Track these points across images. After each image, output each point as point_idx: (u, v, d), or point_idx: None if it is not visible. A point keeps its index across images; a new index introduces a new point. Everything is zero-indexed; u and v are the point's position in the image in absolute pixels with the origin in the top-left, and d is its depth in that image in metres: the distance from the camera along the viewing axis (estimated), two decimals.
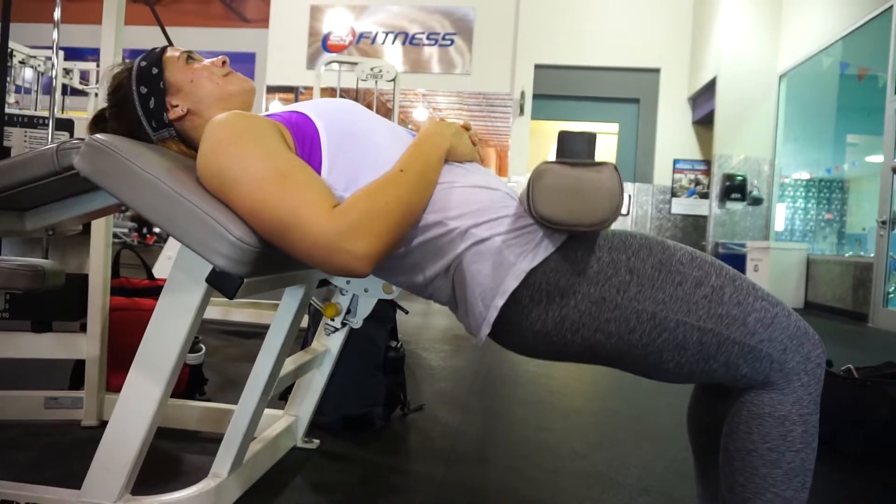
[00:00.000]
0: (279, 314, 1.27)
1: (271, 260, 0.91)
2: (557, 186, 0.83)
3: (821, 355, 0.84)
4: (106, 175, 0.87)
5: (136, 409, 1.07)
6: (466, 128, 1.03)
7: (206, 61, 1.07)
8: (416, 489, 1.42)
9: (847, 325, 5.28)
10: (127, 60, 1.09)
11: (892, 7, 5.45)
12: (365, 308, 1.48)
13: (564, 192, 0.83)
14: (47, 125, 1.76)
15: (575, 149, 0.89)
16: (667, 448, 1.79)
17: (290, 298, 1.28)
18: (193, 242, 0.85)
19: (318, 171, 0.89)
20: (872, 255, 5.46)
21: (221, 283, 0.87)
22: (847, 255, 7.30)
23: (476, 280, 0.88)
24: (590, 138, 0.89)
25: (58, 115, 1.96)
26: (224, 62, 1.07)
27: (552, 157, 0.91)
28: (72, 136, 1.77)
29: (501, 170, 18.07)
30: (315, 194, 0.81)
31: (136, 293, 1.93)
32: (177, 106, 1.04)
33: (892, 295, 5.41)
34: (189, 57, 1.06)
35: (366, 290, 1.31)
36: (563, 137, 0.89)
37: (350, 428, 1.77)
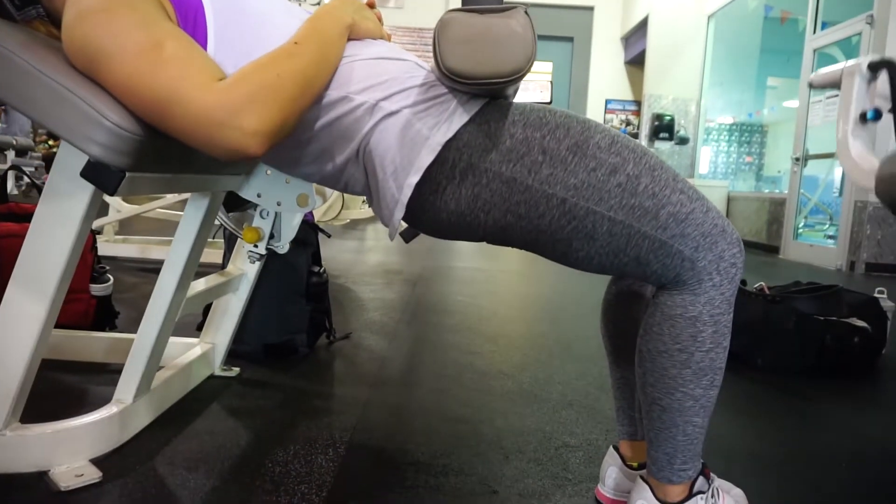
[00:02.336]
0: (181, 227, 1.17)
1: (161, 154, 0.82)
2: (465, 36, 0.77)
3: (736, 255, 0.82)
4: None
5: (17, 332, 0.96)
6: (371, 5, 0.95)
7: None
8: (339, 411, 1.38)
9: (762, 256, 5.57)
10: None
11: None
12: (289, 230, 1.39)
13: (473, 42, 0.76)
14: None
15: None
16: (590, 367, 1.82)
17: (193, 209, 1.18)
18: (62, 129, 0.75)
19: (204, 45, 0.80)
20: (787, 191, 5.74)
21: (99, 177, 0.77)
22: (765, 191, 7.67)
23: (387, 158, 0.81)
24: None
25: None
26: None
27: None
28: None
29: None
30: (197, 65, 0.72)
31: (28, 219, 1.76)
32: None
33: (800, 229, 5.74)
34: None
35: (279, 204, 1.23)
36: None
37: (272, 355, 1.71)
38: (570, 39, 9.31)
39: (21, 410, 1.02)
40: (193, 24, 0.80)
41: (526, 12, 0.79)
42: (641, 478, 0.91)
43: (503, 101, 0.84)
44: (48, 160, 9.37)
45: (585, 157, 0.78)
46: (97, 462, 1.06)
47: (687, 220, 0.79)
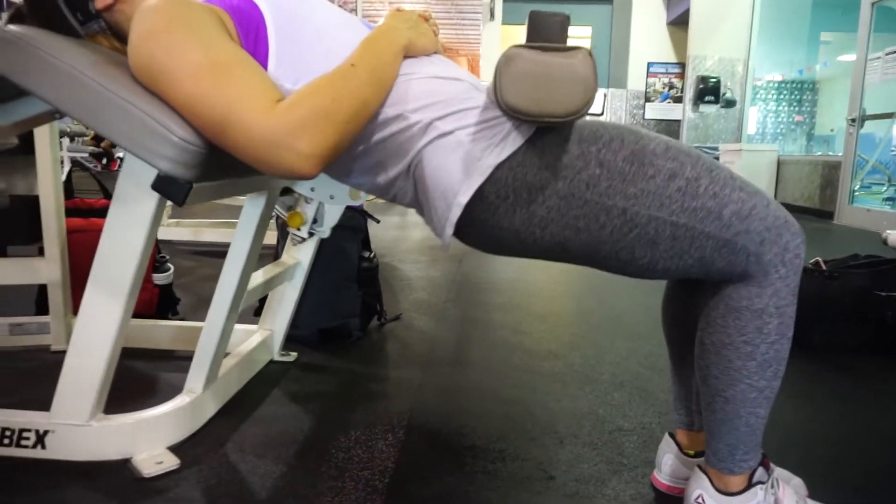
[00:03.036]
0: (241, 224, 1.21)
1: (223, 163, 0.85)
2: (527, 73, 0.77)
3: (800, 245, 0.81)
4: (24, 71, 0.78)
5: (97, 329, 1.03)
6: (426, 18, 0.95)
7: None
8: (394, 395, 1.43)
9: (814, 223, 5.39)
10: None
11: None
12: (332, 217, 1.43)
13: (534, 80, 0.76)
14: None
15: (546, 32, 0.82)
16: (641, 345, 1.82)
17: (251, 207, 1.22)
18: (132, 145, 0.78)
19: (265, 62, 0.81)
20: (840, 153, 5.50)
21: (168, 189, 0.81)
22: (816, 153, 7.37)
23: (439, 177, 0.83)
24: (562, 21, 0.82)
25: None
26: None
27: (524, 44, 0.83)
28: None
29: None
30: (256, 87, 0.74)
31: (93, 213, 1.85)
32: None
33: (857, 192, 5.51)
34: None
35: (332, 197, 1.26)
36: (534, 19, 0.82)
37: (327, 340, 1.76)
38: (610, 1, 9.02)
39: (104, 402, 1.09)
40: (255, 40, 0.81)
41: (590, 54, 0.78)
42: (700, 467, 0.92)
43: None
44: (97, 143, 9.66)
45: (643, 165, 0.78)
46: (173, 449, 1.13)
47: (751, 216, 0.78)
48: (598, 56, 9.18)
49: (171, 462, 1.08)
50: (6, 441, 1.08)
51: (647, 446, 1.20)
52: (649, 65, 8.99)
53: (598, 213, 0.79)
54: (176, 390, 1.24)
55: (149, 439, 1.11)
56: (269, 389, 1.44)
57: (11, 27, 0.81)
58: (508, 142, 0.81)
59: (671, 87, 8.99)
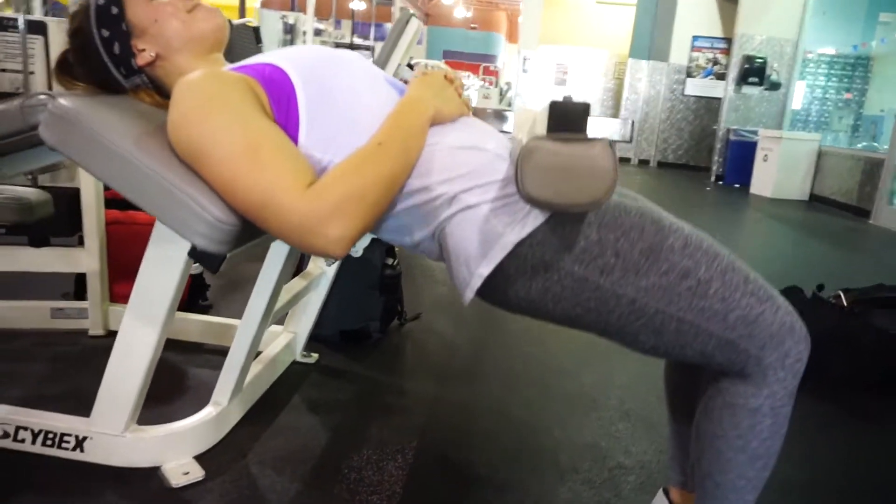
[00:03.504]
0: (273, 247, 1.27)
1: (256, 230, 0.89)
2: (548, 166, 0.79)
3: (802, 351, 0.83)
4: (73, 148, 0.83)
5: (133, 352, 1.10)
6: (451, 80, 0.96)
7: None
8: (408, 409, 1.50)
9: (849, 220, 5.27)
10: None
11: None
12: (364, 239, 1.47)
13: (555, 173, 0.79)
14: (17, 27, 1.65)
15: (567, 121, 0.83)
16: (652, 369, 1.85)
17: None
18: (171, 221, 0.83)
19: (296, 132, 0.84)
20: (886, 147, 5.32)
21: (204, 259, 0.86)
22: (859, 146, 7.11)
23: (462, 246, 0.86)
24: (583, 110, 0.83)
25: (29, 16, 1.83)
26: None
27: (542, 123, 0.85)
28: (46, 39, 1.66)
29: (511, 36, 17.04)
30: (289, 172, 0.77)
31: (132, 205, 1.91)
32: (144, 50, 0.96)
33: None
34: None
35: None
36: (555, 108, 0.83)
37: (347, 340, 1.83)
38: None
39: (137, 416, 1.18)
40: (287, 111, 0.84)
41: (610, 144, 0.79)
42: None
43: None
44: None
45: (658, 260, 0.80)
46: (199, 458, 1.21)
47: (756, 323, 0.81)
48: (640, 26, 8.89)
49: (197, 473, 1.17)
50: (49, 442, 1.17)
51: (644, 488, 1.25)
52: (694, 38, 8.69)
53: (608, 299, 0.83)
54: (202, 388, 1.32)
55: (177, 450, 1.20)
56: (290, 395, 1.51)
57: (61, 101, 0.85)
58: (530, 219, 0.84)
59: (715, 62, 8.70)
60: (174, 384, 1.52)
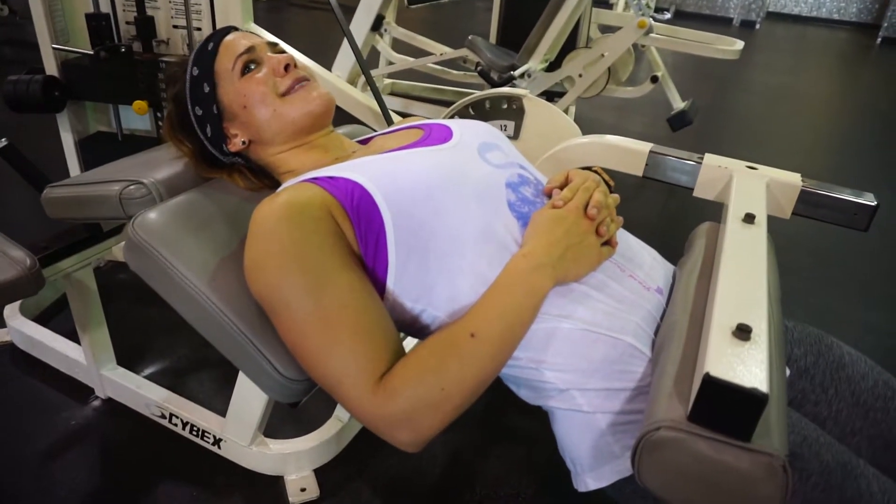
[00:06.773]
0: None
1: None
2: (681, 469, 0.55)
3: None
4: (153, 280, 0.78)
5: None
6: (591, 218, 0.71)
7: (265, 69, 0.83)
8: (537, 439, 1.41)
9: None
10: (185, 52, 0.86)
11: None
12: None
13: (689, 482, 0.56)
14: None
15: (725, 410, 0.54)
16: None
17: None
18: (245, 370, 0.77)
19: (384, 276, 0.70)
20: None
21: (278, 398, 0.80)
22: None
23: (569, 441, 0.73)
24: (757, 401, 0.52)
25: None
26: (287, 66, 0.82)
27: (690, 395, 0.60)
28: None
29: None
30: (361, 359, 0.65)
31: None
32: (236, 135, 0.86)
33: None
34: (246, 66, 0.83)
35: None
36: (711, 388, 0.54)
37: None
38: None
39: (263, 428, 1.24)
40: (375, 248, 0.70)
41: (784, 467, 0.52)
42: None
43: None
44: None
45: None
46: (319, 471, 1.27)
47: None
48: None
49: (312, 491, 1.23)
50: (194, 433, 1.30)
51: None
52: None
53: None
54: (322, 403, 1.33)
55: (299, 463, 1.26)
56: None
57: (139, 232, 0.77)
58: None
59: None
60: None
